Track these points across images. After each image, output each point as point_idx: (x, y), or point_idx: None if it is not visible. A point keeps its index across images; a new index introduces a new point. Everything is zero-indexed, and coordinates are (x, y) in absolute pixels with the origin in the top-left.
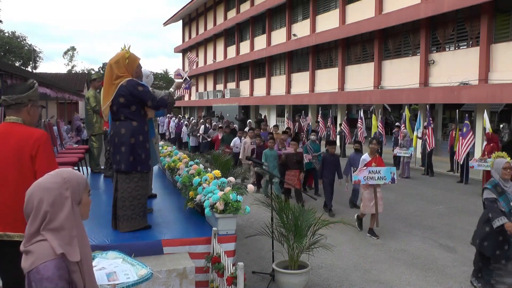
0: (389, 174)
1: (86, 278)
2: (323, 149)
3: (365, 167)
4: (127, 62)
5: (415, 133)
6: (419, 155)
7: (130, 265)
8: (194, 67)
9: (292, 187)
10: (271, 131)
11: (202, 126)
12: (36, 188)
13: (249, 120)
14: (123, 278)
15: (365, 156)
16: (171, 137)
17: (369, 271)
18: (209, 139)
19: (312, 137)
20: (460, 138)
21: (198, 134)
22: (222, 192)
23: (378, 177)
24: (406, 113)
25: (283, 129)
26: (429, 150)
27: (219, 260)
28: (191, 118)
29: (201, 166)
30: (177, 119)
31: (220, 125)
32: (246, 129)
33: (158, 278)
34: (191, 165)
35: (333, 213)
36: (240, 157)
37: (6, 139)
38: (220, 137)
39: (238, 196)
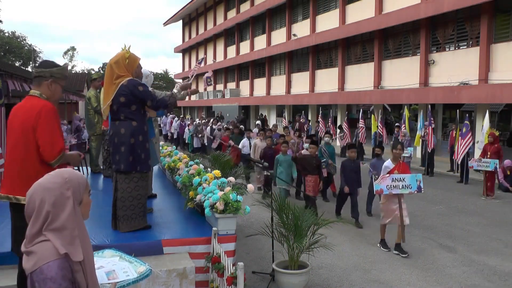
0: (415, 182)
1: (88, 277)
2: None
3: (387, 175)
4: (127, 62)
5: (418, 132)
6: (419, 155)
7: (128, 263)
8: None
9: (315, 194)
10: (278, 132)
11: (209, 128)
12: (37, 188)
13: (257, 122)
14: (122, 276)
15: (388, 163)
16: (174, 138)
17: (369, 271)
18: (213, 139)
19: (326, 139)
20: (460, 138)
21: (200, 136)
22: (222, 192)
23: (402, 185)
24: (406, 113)
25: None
26: (429, 150)
27: (219, 260)
28: (196, 120)
29: (201, 166)
30: (179, 120)
31: (227, 126)
32: (255, 130)
33: (158, 278)
34: (191, 165)
35: (341, 218)
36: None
37: (20, 111)
38: (229, 138)
39: (238, 196)
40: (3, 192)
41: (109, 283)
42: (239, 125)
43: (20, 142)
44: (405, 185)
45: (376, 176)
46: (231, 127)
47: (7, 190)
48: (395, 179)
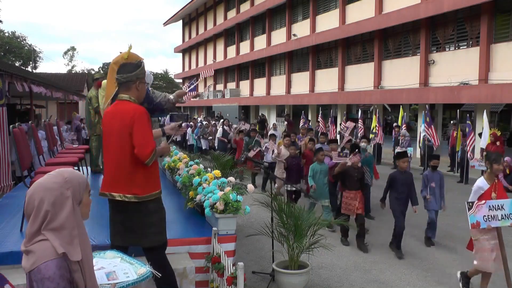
0: None
1: (87, 277)
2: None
3: (483, 202)
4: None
5: (423, 133)
6: (418, 155)
7: (129, 264)
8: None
9: (352, 214)
10: (311, 136)
11: (220, 129)
12: (37, 188)
13: (273, 122)
14: (122, 277)
15: (481, 182)
16: (177, 140)
17: (369, 271)
18: (229, 142)
19: (363, 144)
20: (464, 138)
21: (210, 138)
22: (222, 192)
23: (502, 215)
24: (401, 113)
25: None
26: (435, 148)
27: (219, 260)
28: (199, 120)
29: (201, 166)
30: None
31: (242, 128)
32: (276, 133)
33: (157, 277)
34: (191, 165)
35: (402, 255)
36: (275, 173)
37: (115, 116)
38: (243, 142)
39: (238, 196)
40: (102, 190)
41: (108, 284)
42: (254, 126)
43: (117, 145)
44: (505, 215)
45: (428, 197)
46: (243, 128)
47: (105, 188)
48: (493, 206)
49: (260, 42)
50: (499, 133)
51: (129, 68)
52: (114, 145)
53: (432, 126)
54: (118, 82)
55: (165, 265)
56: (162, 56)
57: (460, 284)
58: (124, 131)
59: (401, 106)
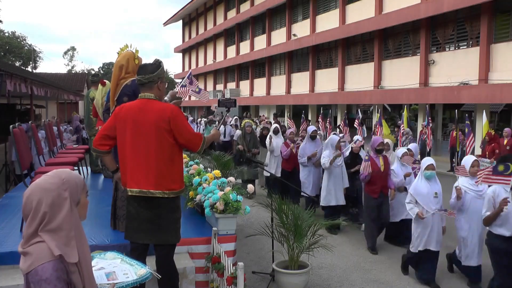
0: None
1: (85, 279)
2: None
3: None
4: (136, 63)
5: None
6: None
7: (129, 265)
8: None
9: None
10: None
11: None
12: (34, 189)
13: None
14: (122, 278)
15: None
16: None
17: (369, 271)
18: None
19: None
20: (464, 139)
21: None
22: (222, 192)
23: None
24: (405, 113)
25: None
26: (428, 149)
27: (219, 260)
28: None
29: (201, 166)
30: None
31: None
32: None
33: (157, 278)
34: (191, 165)
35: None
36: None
37: (146, 113)
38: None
39: (238, 196)
40: (135, 187)
41: (108, 284)
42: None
43: (154, 142)
44: None
45: None
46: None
47: (141, 185)
48: None
49: (260, 42)
50: (492, 132)
51: (150, 69)
52: (150, 142)
53: (429, 127)
54: (140, 83)
55: (173, 264)
56: (160, 56)
57: None
58: (161, 128)
59: (404, 106)
